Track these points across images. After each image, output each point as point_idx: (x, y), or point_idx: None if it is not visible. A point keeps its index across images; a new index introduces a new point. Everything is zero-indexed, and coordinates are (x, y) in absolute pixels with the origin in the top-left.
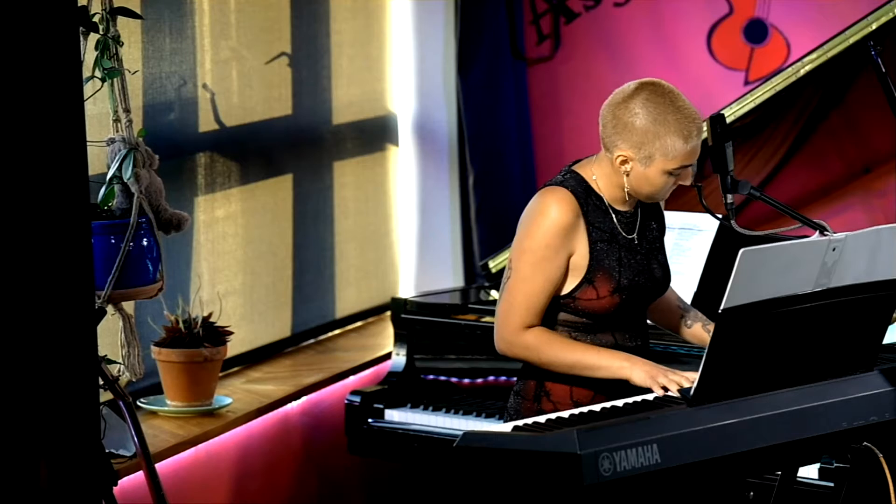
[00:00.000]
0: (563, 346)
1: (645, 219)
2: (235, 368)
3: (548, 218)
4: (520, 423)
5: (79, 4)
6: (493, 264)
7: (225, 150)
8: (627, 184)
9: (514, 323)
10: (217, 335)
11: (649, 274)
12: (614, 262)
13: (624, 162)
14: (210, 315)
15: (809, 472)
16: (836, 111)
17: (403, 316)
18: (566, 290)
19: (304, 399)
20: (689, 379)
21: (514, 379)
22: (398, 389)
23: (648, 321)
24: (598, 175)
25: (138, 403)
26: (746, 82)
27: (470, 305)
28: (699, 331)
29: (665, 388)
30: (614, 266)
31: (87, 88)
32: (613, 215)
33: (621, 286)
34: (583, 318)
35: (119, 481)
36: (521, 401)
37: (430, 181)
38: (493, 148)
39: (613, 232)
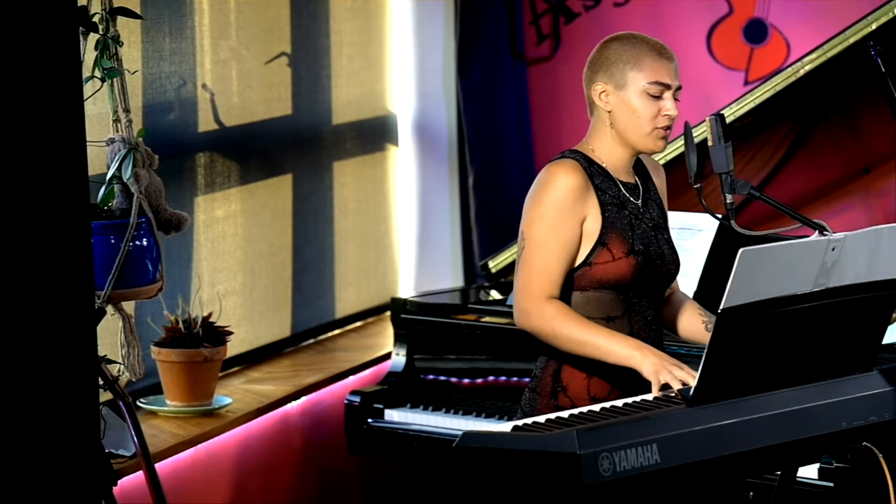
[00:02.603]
0: (579, 324)
1: (647, 192)
2: (235, 368)
3: (556, 184)
4: (519, 422)
5: (79, 4)
6: (493, 264)
7: (225, 150)
8: (613, 125)
9: (533, 292)
10: (217, 335)
11: (657, 245)
12: (626, 225)
13: (602, 94)
14: (210, 315)
15: (809, 472)
16: (836, 111)
17: (403, 316)
18: (581, 258)
19: (303, 399)
20: (694, 375)
21: (514, 379)
22: (398, 389)
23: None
24: (595, 146)
25: (138, 403)
26: (746, 82)
27: (470, 305)
28: None
29: (666, 386)
30: (626, 229)
31: (87, 88)
32: (619, 183)
33: (635, 249)
34: (599, 293)
35: (119, 481)
36: (537, 397)
37: (430, 181)
38: (493, 148)
39: (621, 198)
